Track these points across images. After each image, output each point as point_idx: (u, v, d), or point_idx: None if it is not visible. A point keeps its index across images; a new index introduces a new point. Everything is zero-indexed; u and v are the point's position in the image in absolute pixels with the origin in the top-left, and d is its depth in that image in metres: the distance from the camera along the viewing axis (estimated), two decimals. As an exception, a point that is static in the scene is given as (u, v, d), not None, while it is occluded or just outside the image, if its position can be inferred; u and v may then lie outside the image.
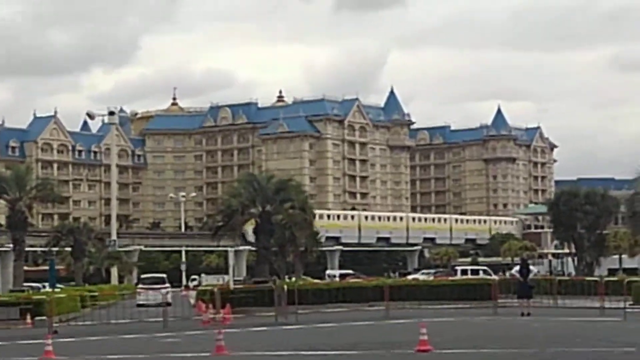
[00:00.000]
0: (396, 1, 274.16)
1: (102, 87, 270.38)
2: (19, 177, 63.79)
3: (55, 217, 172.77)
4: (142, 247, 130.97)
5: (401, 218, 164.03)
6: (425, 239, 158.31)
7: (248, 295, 44.91)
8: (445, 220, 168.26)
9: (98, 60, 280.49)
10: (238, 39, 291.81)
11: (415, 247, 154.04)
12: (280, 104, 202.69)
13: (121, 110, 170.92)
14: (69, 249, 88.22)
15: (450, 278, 67.56)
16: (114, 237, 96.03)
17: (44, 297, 41.72)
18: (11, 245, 71.16)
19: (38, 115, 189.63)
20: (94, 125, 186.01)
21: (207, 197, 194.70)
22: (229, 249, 61.67)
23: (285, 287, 43.52)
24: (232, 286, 49.12)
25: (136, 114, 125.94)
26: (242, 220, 61.98)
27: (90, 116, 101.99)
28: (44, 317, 38.18)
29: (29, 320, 39.39)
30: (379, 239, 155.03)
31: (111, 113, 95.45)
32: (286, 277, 71.67)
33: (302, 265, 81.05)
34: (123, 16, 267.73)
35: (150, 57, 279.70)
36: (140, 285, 68.95)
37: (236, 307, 41.60)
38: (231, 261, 54.88)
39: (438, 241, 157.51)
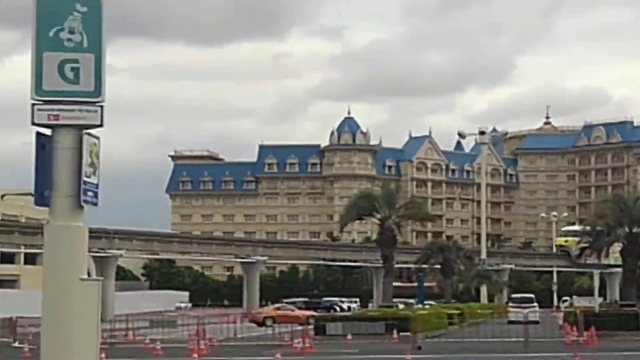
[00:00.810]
0: None
1: (477, 106, 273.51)
2: (389, 196, 65.98)
3: (429, 234, 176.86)
4: (513, 267, 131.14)
5: None
6: None
7: (612, 319, 44.11)
8: None
9: (473, 80, 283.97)
10: (614, 56, 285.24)
11: None
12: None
13: (494, 130, 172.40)
14: (438, 266, 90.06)
15: None
16: (483, 255, 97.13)
17: (409, 313, 43.12)
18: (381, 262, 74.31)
19: (413, 135, 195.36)
20: (467, 145, 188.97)
21: (580, 218, 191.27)
22: (594, 270, 60.67)
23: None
24: (596, 308, 48.42)
25: (506, 133, 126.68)
26: (608, 242, 60.67)
27: (462, 136, 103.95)
28: (408, 333, 39.49)
29: (395, 335, 40.87)
30: None
31: (482, 133, 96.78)
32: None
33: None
34: (498, 36, 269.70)
35: (525, 76, 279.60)
36: (510, 304, 73.13)
37: (601, 330, 41.00)
38: (596, 283, 54.10)
39: None
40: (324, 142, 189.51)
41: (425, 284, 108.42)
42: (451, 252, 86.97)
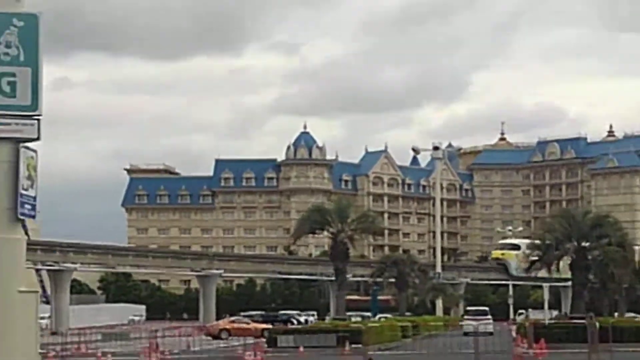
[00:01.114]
0: None
1: (433, 122, 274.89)
2: (341, 210, 66.35)
3: (386, 248, 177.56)
4: (469, 280, 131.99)
5: None
6: None
7: (562, 331, 44.55)
8: None
9: (430, 96, 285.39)
10: (569, 73, 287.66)
11: None
12: (610, 138, 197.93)
13: (449, 145, 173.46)
14: (393, 279, 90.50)
15: None
16: (439, 269, 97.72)
17: (361, 325, 43.35)
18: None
19: (369, 150, 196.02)
20: (423, 160, 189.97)
21: (534, 232, 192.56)
22: (544, 284, 61.41)
23: (598, 324, 42.77)
24: (546, 321, 48.91)
25: (460, 149, 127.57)
26: (557, 256, 61.33)
27: (416, 151, 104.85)
28: (360, 345, 39.70)
29: (347, 347, 41.09)
30: None
31: (436, 148, 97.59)
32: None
33: (626, 302, 78.96)
34: (455, 52, 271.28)
35: (481, 93, 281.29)
36: (465, 317, 76.55)
37: (550, 343, 41.35)
38: (546, 296, 54.83)
39: None
40: (281, 157, 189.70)
41: (382, 297, 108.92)
42: (405, 265, 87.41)
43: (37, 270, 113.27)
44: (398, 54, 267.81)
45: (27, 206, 14.68)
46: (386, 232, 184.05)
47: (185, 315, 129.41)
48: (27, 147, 14.53)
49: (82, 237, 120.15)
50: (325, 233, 68.85)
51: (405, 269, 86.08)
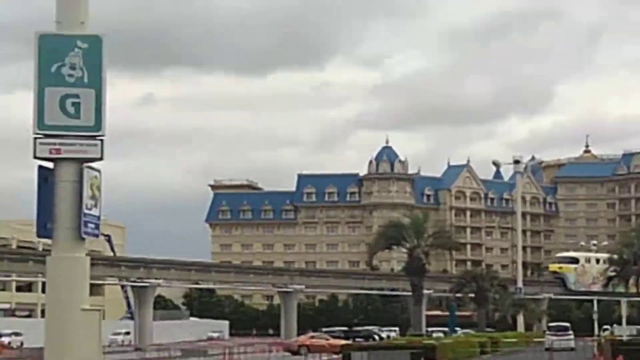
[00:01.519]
0: None
1: (517, 135, 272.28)
2: (418, 225, 66.15)
3: (468, 263, 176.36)
4: (552, 296, 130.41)
5: None
6: None
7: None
8: None
9: (514, 108, 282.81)
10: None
11: None
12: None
13: (532, 159, 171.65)
14: (472, 295, 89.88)
15: None
16: (519, 284, 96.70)
17: (433, 341, 43.19)
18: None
19: (452, 164, 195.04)
20: (507, 174, 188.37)
21: (614, 247, 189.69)
22: (622, 299, 60.43)
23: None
24: (624, 337, 48.15)
25: (541, 162, 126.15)
26: (635, 270, 60.34)
27: (496, 164, 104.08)
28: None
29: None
30: None
31: (517, 162, 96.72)
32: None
33: None
34: (540, 63, 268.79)
35: (566, 104, 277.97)
36: (547, 332, 76.67)
37: (629, 359, 40.69)
38: (624, 312, 53.89)
39: None
40: (363, 172, 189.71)
41: (463, 313, 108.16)
42: (485, 280, 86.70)
43: (123, 287, 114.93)
44: (482, 65, 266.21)
45: (90, 225, 14.97)
46: (468, 246, 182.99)
47: (270, 331, 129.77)
48: (91, 167, 14.78)
49: (167, 253, 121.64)
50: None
51: (485, 284, 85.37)
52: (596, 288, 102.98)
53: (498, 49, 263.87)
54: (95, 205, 14.87)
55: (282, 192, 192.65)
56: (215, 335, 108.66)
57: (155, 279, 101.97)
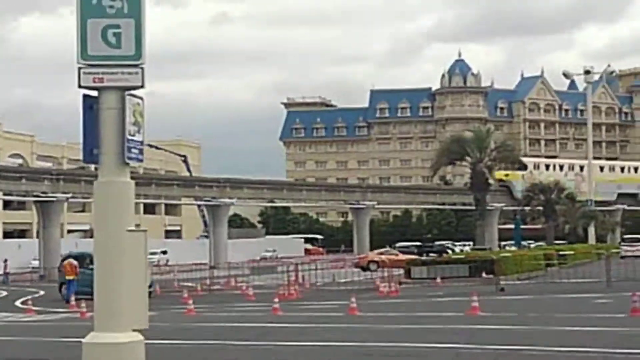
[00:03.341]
0: None
1: (595, 44, 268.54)
2: (480, 140, 65.85)
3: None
4: (625, 207, 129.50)
5: None
6: None
7: None
8: None
9: (592, 16, 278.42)
10: None
11: None
12: None
13: (608, 67, 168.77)
14: (540, 208, 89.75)
15: None
16: (590, 196, 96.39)
17: (493, 255, 43.56)
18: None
19: (526, 75, 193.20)
20: (582, 85, 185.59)
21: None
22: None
23: None
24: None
25: (612, 72, 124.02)
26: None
27: (567, 76, 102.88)
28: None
29: (482, 277, 41.41)
30: None
31: (587, 72, 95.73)
32: None
33: None
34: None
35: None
36: (622, 244, 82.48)
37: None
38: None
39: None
40: (436, 86, 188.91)
41: (535, 226, 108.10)
42: (553, 193, 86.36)
43: (199, 206, 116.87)
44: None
45: (134, 150, 15.52)
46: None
47: (343, 247, 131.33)
48: (133, 95, 15.33)
49: (243, 172, 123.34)
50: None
51: (552, 197, 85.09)
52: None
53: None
54: (139, 132, 15.47)
55: (355, 108, 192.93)
56: (268, 255, 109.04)
57: (229, 198, 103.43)
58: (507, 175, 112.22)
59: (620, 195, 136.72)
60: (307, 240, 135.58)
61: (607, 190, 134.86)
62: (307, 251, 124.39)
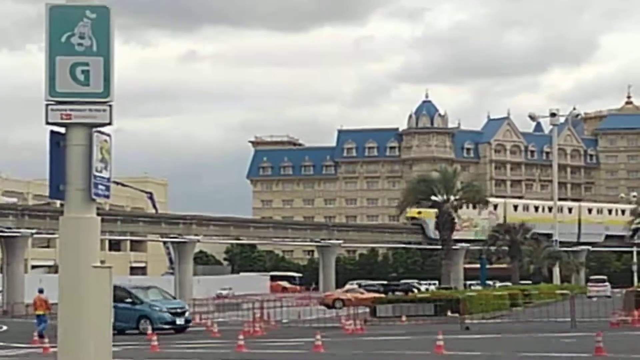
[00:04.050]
0: None
1: (560, 87, 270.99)
2: (446, 180, 66.48)
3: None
4: (590, 248, 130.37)
5: None
6: None
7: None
8: None
9: (557, 60, 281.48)
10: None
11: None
12: None
13: (573, 110, 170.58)
14: (506, 248, 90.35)
15: None
16: (555, 237, 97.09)
17: (459, 294, 43.80)
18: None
19: (492, 117, 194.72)
20: (547, 127, 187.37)
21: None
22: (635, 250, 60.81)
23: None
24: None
25: (578, 115, 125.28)
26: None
27: (533, 118, 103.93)
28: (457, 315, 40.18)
29: (446, 316, 41.62)
30: None
31: (553, 115, 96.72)
32: None
33: None
34: (582, 13, 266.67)
35: (609, 55, 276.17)
36: (589, 284, 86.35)
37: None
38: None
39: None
40: (404, 126, 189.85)
41: (501, 266, 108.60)
42: (518, 233, 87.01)
43: (164, 243, 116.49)
44: (524, 16, 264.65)
45: (100, 187, 15.64)
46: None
47: (314, 285, 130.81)
48: (101, 132, 15.47)
49: (210, 210, 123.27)
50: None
51: (518, 237, 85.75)
52: (458, 236, 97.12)
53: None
54: (106, 168, 15.62)
55: (322, 147, 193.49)
56: (224, 292, 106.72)
57: (195, 235, 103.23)
58: (419, 212, 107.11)
59: (607, 236, 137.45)
60: (283, 278, 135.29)
61: (595, 232, 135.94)
62: (284, 289, 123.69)
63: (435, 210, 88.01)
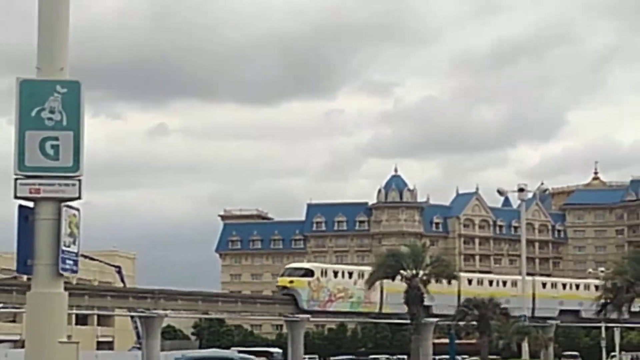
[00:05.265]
0: None
1: (528, 162, 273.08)
2: (415, 255, 66.77)
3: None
4: (559, 323, 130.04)
5: None
6: None
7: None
8: None
9: (525, 135, 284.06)
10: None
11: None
12: None
13: (541, 185, 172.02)
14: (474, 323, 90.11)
15: None
16: (524, 311, 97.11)
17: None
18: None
19: (462, 191, 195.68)
20: (515, 201, 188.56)
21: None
22: (614, 325, 61.01)
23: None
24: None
25: (545, 190, 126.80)
26: (627, 298, 60.85)
27: (501, 193, 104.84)
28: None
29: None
30: None
31: (521, 190, 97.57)
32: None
33: None
34: (550, 90, 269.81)
35: (577, 131, 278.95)
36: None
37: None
38: (617, 339, 54.36)
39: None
40: (373, 200, 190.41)
41: (470, 341, 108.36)
42: (487, 309, 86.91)
43: (132, 317, 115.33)
44: (492, 92, 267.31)
45: (68, 262, 15.58)
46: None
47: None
48: (70, 206, 15.42)
49: (178, 284, 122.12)
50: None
51: (487, 312, 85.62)
52: (332, 307, 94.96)
53: (508, 75, 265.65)
54: (74, 242, 15.57)
55: (291, 221, 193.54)
56: None
57: (163, 309, 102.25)
58: (291, 282, 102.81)
59: (562, 311, 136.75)
60: (262, 354, 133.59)
61: (548, 307, 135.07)
62: None
63: (309, 279, 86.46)
